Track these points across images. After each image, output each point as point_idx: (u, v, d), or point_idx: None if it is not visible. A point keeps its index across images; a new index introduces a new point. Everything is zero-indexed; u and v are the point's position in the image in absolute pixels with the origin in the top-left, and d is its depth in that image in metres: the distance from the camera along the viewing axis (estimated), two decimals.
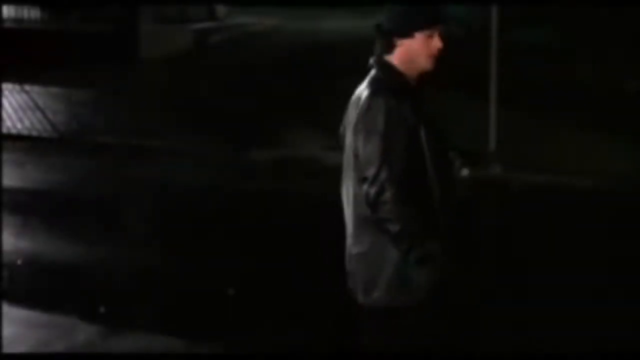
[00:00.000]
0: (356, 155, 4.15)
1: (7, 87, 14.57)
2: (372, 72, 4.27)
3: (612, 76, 13.55)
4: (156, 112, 13.52)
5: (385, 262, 4.16)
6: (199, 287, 7.30)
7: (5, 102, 13.86)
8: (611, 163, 10.29)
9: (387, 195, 4.01)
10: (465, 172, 4.41)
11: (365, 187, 4.06)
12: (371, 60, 4.28)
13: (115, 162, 11.25)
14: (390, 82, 4.19)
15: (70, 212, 9.27)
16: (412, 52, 4.20)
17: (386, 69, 4.22)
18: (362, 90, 4.25)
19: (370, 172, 4.05)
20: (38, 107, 13.85)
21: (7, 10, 18.34)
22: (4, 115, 13.19)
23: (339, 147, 4.35)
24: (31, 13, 18.93)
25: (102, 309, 6.85)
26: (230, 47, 19.91)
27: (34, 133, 12.56)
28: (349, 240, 4.33)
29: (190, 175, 10.59)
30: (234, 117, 12.99)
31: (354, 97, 4.30)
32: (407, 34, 4.19)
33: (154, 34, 17.60)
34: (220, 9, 24.32)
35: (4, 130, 12.53)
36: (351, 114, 4.26)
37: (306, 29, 21.89)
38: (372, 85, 4.21)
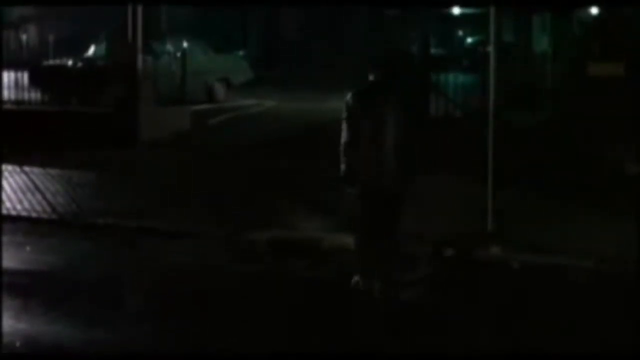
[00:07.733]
0: None
1: (6, 168, 14.65)
2: None
3: (612, 157, 13.59)
4: (155, 193, 13.57)
5: None
6: None
7: (5, 184, 13.93)
8: (612, 245, 10.29)
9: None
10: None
11: None
12: None
13: (115, 243, 11.25)
14: None
15: (70, 293, 9.25)
16: None
17: None
18: None
19: None
20: (38, 189, 13.90)
21: (8, 93, 18.51)
22: (4, 197, 13.24)
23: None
24: (31, 95, 19.10)
25: None
26: (229, 128, 20.04)
27: (34, 214, 12.58)
28: None
29: (190, 256, 10.59)
30: (233, 198, 13.03)
31: None
32: None
33: (154, 115, 17.72)
34: (220, 92, 24.56)
35: (4, 212, 12.56)
36: None
37: (304, 110, 22.06)
38: None
